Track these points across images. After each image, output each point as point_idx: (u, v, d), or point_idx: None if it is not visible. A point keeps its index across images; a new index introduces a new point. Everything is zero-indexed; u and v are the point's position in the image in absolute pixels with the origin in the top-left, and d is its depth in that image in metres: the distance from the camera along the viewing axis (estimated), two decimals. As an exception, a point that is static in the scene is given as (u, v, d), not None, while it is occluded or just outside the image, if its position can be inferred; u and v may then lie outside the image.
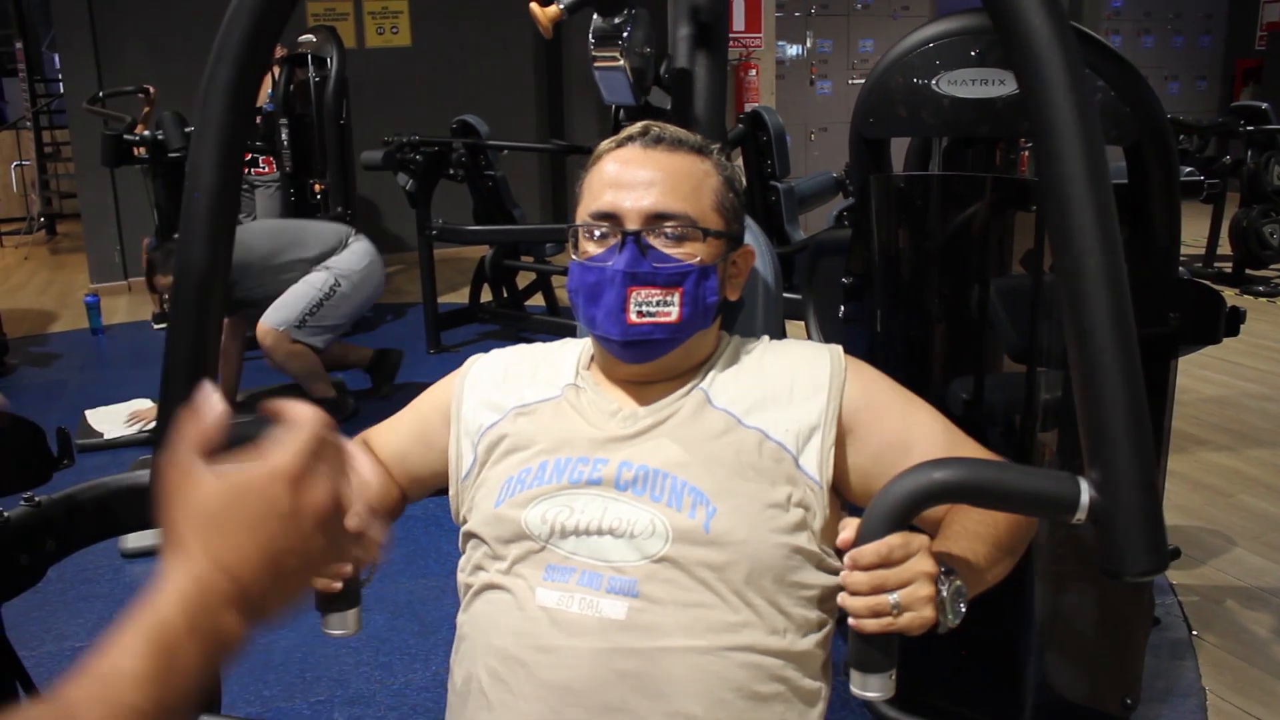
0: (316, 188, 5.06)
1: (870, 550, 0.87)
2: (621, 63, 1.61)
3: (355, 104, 5.25)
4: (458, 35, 7.11)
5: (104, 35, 6.22)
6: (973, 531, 1.00)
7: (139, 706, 0.51)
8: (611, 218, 1.09)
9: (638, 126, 1.14)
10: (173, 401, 1.03)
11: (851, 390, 1.11)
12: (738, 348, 1.18)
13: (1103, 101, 1.44)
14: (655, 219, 1.08)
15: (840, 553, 0.99)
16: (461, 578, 1.12)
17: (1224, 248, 5.87)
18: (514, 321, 4.93)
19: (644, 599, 0.97)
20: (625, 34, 1.59)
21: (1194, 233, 5.91)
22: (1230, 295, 5.02)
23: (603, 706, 0.94)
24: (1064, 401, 1.54)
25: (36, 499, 1.17)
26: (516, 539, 1.04)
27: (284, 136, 5.09)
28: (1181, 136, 5.94)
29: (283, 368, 3.59)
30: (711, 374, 1.14)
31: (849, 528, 0.90)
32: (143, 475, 1.19)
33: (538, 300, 5.19)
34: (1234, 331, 1.66)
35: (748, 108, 5.12)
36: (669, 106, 1.61)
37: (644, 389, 1.13)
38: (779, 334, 1.33)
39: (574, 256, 1.13)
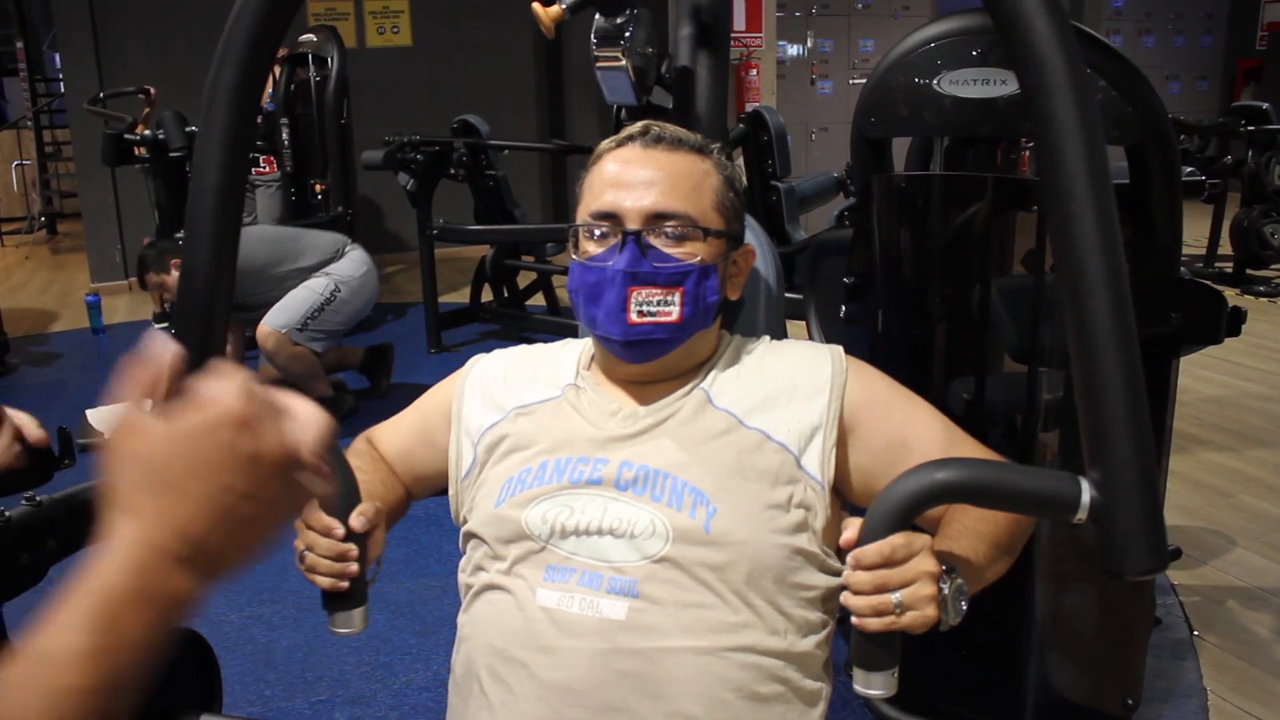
0: (317, 188, 5.07)
1: (873, 550, 0.87)
2: (624, 62, 1.61)
3: (356, 104, 5.26)
4: (458, 35, 7.12)
5: (105, 35, 6.23)
6: (973, 530, 1.00)
7: (82, 686, 0.49)
8: (612, 217, 1.09)
9: (638, 126, 1.14)
10: None
11: (852, 390, 1.11)
12: (739, 348, 1.18)
13: (1104, 101, 1.44)
14: (656, 218, 1.08)
15: (840, 553, 0.99)
16: (462, 578, 1.12)
17: (1225, 248, 5.87)
18: (515, 321, 4.93)
19: (644, 599, 0.97)
20: (627, 34, 1.60)
21: (1195, 233, 5.90)
22: (1231, 295, 5.01)
23: (603, 707, 0.94)
24: (1065, 401, 1.54)
25: (38, 498, 1.17)
26: (517, 539, 1.04)
27: (284, 136, 5.10)
28: (1182, 136, 5.94)
29: (285, 370, 3.61)
30: (713, 374, 1.14)
31: (852, 527, 0.90)
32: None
33: (538, 300, 5.19)
34: (1235, 331, 1.65)
35: (748, 107, 5.12)
36: (671, 106, 1.61)
37: (644, 389, 1.13)
38: (780, 334, 1.32)
39: (574, 256, 1.13)
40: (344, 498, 1.01)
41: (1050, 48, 0.85)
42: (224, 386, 0.54)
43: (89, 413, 3.79)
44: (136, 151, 4.99)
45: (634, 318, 1.07)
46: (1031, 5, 0.86)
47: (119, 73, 6.17)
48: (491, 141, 4.77)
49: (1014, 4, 0.86)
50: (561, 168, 7.42)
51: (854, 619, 0.89)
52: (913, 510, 0.89)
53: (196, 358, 1.03)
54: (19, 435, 1.03)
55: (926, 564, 0.88)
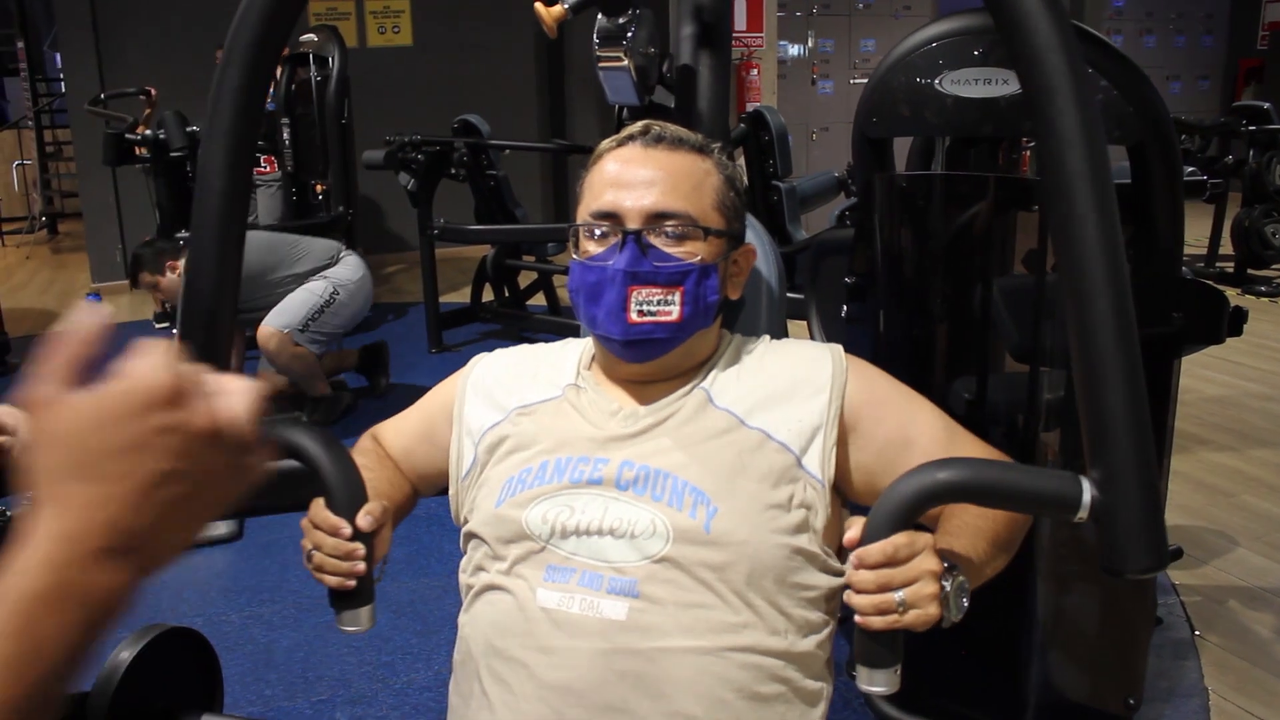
0: (318, 188, 5.07)
1: (876, 550, 0.88)
2: (626, 62, 1.61)
3: (357, 103, 5.25)
4: (459, 34, 7.12)
5: (105, 34, 6.23)
6: (973, 526, 1.01)
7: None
8: (612, 217, 1.09)
9: (638, 125, 1.14)
10: None
11: (853, 389, 1.11)
12: (739, 347, 1.18)
13: (1105, 101, 1.44)
14: (656, 218, 1.08)
15: (841, 552, 0.99)
16: (463, 578, 1.12)
17: (1225, 248, 5.87)
18: (515, 321, 4.93)
19: (644, 599, 0.97)
20: (629, 34, 1.60)
21: (1196, 233, 5.89)
22: (1232, 295, 5.00)
23: (603, 707, 0.94)
24: (1066, 401, 1.54)
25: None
26: (517, 539, 1.04)
27: (285, 136, 5.10)
28: (1183, 136, 5.94)
29: (286, 370, 3.64)
30: (713, 373, 1.14)
31: (855, 527, 0.91)
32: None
33: (539, 300, 5.19)
34: (1237, 331, 1.65)
35: (749, 107, 5.12)
36: (673, 105, 1.61)
37: (645, 388, 1.13)
38: (781, 334, 1.32)
39: (575, 256, 1.13)
40: (350, 496, 1.01)
41: (1051, 47, 0.85)
42: (147, 362, 0.50)
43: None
44: (137, 151, 4.99)
45: (634, 317, 1.07)
46: (1032, 5, 0.86)
47: (120, 72, 6.18)
48: (492, 141, 4.77)
49: (1015, 4, 0.86)
50: (562, 167, 7.42)
51: (858, 617, 0.89)
52: (915, 510, 0.89)
53: (203, 358, 1.03)
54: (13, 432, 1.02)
55: (929, 563, 0.88)
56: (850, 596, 0.90)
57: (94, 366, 0.50)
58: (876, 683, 0.89)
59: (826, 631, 1.05)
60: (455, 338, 4.87)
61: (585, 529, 1.01)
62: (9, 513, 1.15)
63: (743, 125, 4.27)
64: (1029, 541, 1.09)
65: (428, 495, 1.26)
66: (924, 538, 0.90)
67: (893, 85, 1.58)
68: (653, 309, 1.07)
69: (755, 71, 6.70)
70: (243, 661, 2.22)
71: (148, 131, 4.90)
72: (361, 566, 1.00)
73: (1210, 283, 1.68)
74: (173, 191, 4.88)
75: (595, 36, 1.62)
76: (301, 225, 4.77)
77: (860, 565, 0.88)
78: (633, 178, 1.09)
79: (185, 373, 0.50)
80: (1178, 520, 2.77)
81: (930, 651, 1.12)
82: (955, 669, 1.69)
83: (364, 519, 1.01)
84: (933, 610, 0.88)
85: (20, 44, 8.92)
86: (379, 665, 2.19)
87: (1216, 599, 2.40)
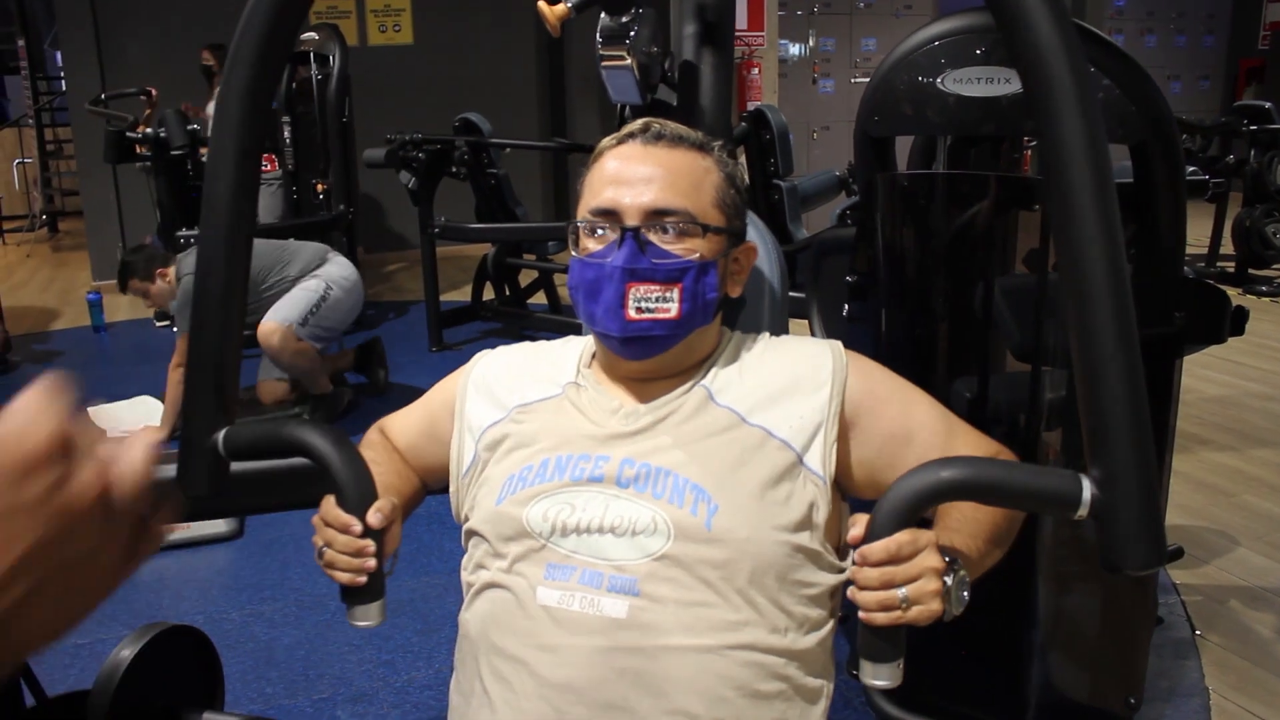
0: (319, 187, 5.08)
1: (879, 547, 0.88)
2: (629, 61, 1.61)
3: (357, 102, 5.26)
4: (460, 33, 7.12)
5: (106, 33, 6.23)
6: (971, 520, 1.02)
7: None
8: (611, 214, 1.09)
9: (638, 123, 1.14)
10: (196, 406, 1.05)
11: (853, 385, 1.11)
12: (739, 344, 1.18)
13: (1107, 100, 1.44)
14: (655, 215, 1.08)
15: (841, 549, 0.99)
16: (464, 576, 1.12)
17: (1227, 247, 5.87)
18: (516, 320, 4.93)
19: (645, 597, 0.97)
20: (632, 33, 1.60)
21: (1197, 232, 5.88)
22: (1233, 295, 5.01)
23: (604, 705, 0.94)
24: (1068, 400, 1.54)
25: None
26: (517, 537, 1.04)
27: (286, 134, 5.10)
28: (1184, 136, 5.94)
29: (290, 367, 3.65)
30: (714, 371, 1.14)
31: (859, 524, 0.91)
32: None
33: (540, 298, 5.19)
34: (1239, 331, 1.65)
35: (750, 106, 5.12)
36: (675, 103, 1.61)
37: (645, 386, 1.13)
38: (783, 333, 1.32)
39: (574, 253, 1.13)
40: (361, 494, 1.01)
41: (1053, 46, 0.85)
42: (23, 417, 0.43)
43: (90, 410, 3.79)
44: (138, 150, 5.00)
45: (632, 314, 1.07)
46: (1034, 4, 0.85)
47: (120, 71, 6.18)
48: (493, 140, 4.77)
49: (1016, 2, 0.86)
50: (563, 166, 7.42)
51: (861, 614, 0.90)
52: (918, 507, 0.90)
53: (215, 357, 1.04)
54: None
55: (931, 560, 0.89)
56: (854, 593, 0.90)
57: None
58: (880, 677, 0.90)
59: (827, 629, 1.05)
60: (456, 336, 4.87)
61: (586, 527, 1.01)
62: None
63: (744, 124, 4.27)
64: (1030, 541, 1.09)
65: (435, 490, 1.26)
66: (926, 535, 0.90)
67: (894, 84, 1.58)
68: (651, 306, 1.07)
69: (756, 70, 6.70)
70: (244, 659, 2.22)
71: (149, 130, 4.90)
72: (372, 563, 1.00)
73: (1212, 282, 1.68)
74: (173, 190, 4.89)
75: (598, 35, 1.62)
76: (302, 224, 4.77)
77: (864, 562, 0.89)
78: (632, 175, 1.09)
79: (68, 430, 0.44)
80: (1178, 520, 2.77)
81: (931, 651, 1.12)
82: (956, 668, 1.69)
83: (374, 516, 1.01)
84: (935, 606, 0.88)
85: (21, 42, 8.93)
86: (380, 663, 2.19)
87: (1217, 599, 2.40)
